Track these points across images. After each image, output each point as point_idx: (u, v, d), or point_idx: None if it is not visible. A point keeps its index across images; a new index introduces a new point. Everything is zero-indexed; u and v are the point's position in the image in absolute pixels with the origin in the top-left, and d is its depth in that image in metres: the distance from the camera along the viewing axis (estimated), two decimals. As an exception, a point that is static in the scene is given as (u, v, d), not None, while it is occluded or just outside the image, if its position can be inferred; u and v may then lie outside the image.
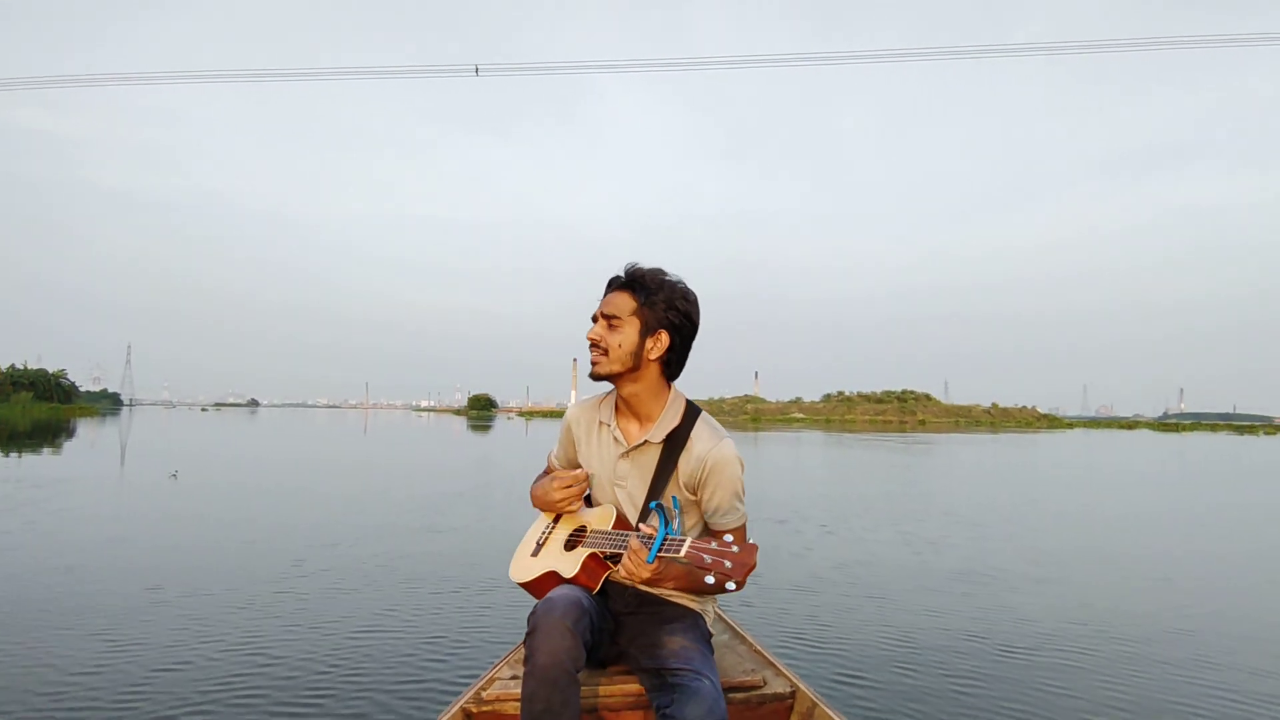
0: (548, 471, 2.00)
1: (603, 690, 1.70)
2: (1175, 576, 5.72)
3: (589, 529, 1.78)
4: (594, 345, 1.70)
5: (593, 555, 1.71)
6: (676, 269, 1.76)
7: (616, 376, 1.71)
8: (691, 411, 1.77)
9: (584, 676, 1.58)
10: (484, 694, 1.73)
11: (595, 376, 1.73)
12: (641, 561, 1.47)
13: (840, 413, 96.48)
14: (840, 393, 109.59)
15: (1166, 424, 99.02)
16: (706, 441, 1.70)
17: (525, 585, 1.80)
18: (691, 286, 1.77)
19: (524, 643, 1.53)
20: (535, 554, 1.84)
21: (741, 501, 1.73)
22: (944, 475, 15.70)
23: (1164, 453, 29.60)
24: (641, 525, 1.54)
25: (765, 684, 1.79)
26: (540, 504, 1.89)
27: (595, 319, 1.72)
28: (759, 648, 2.02)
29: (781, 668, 1.88)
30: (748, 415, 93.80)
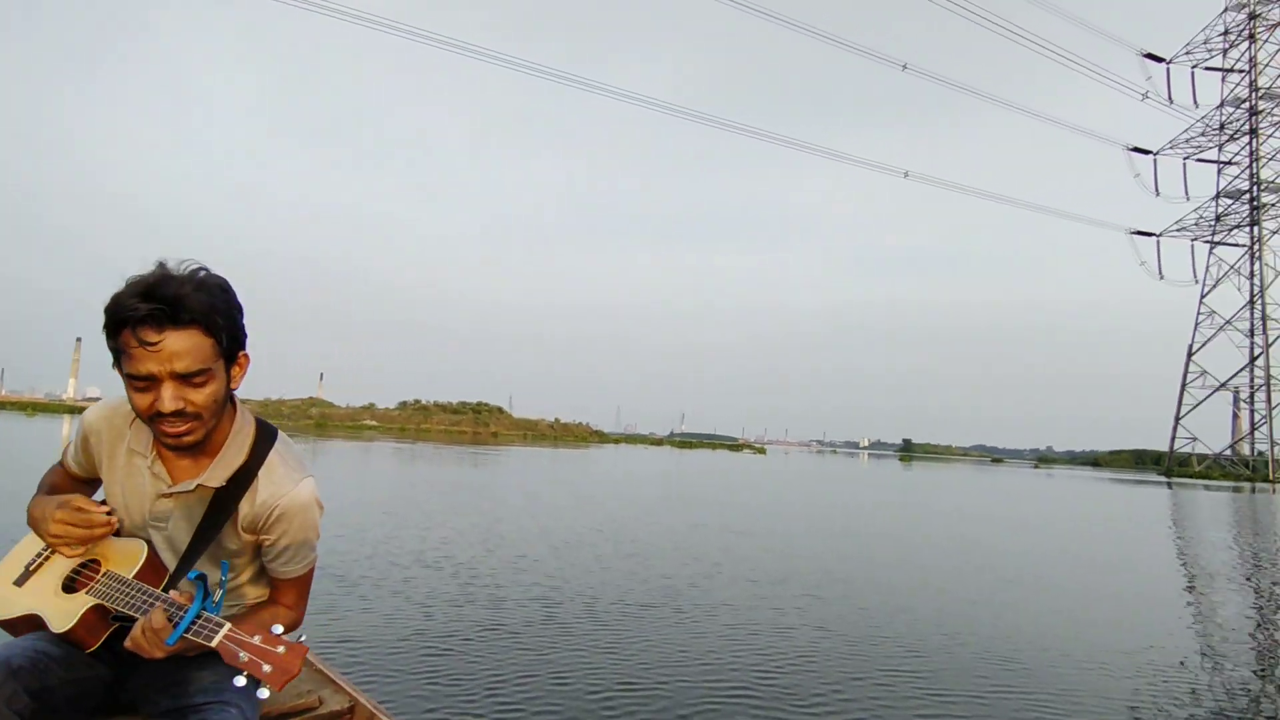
0: (57, 483, 1.47)
1: None
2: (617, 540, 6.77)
3: (103, 568, 1.33)
4: (178, 416, 1.21)
5: (97, 609, 1.29)
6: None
7: None
8: (262, 440, 1.38)
9: None
10: None
11: (186, 446, 1.27)
12: (159, 642, 1.16)
13: (416, 421, 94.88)
14: (417, 401, 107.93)
15: (684, 443, 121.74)
16: (278, 485, 1.36)
17: None
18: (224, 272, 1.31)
19: None
20: (20, 582, 1.36)
21: (313, 548, 1.37)
22: (511, 483, 16.41)
23: (684, 463, 36.23)
24: (174, 591, 1.23)
25: (322, 703, 1.70)
26: (33, 527, 1.36)
27: (149, 377, 1.18)
28: (319, 665, 1.91)
29: (342, 683, 1.81)
30: (312, 421, 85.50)
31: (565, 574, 6.49)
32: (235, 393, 1.36)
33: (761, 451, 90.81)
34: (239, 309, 1.28)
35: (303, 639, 1.20)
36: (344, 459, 22.80)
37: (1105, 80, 71.50)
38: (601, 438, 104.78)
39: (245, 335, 1.31)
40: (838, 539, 10.55)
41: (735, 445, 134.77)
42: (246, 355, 1.32)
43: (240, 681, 1.08)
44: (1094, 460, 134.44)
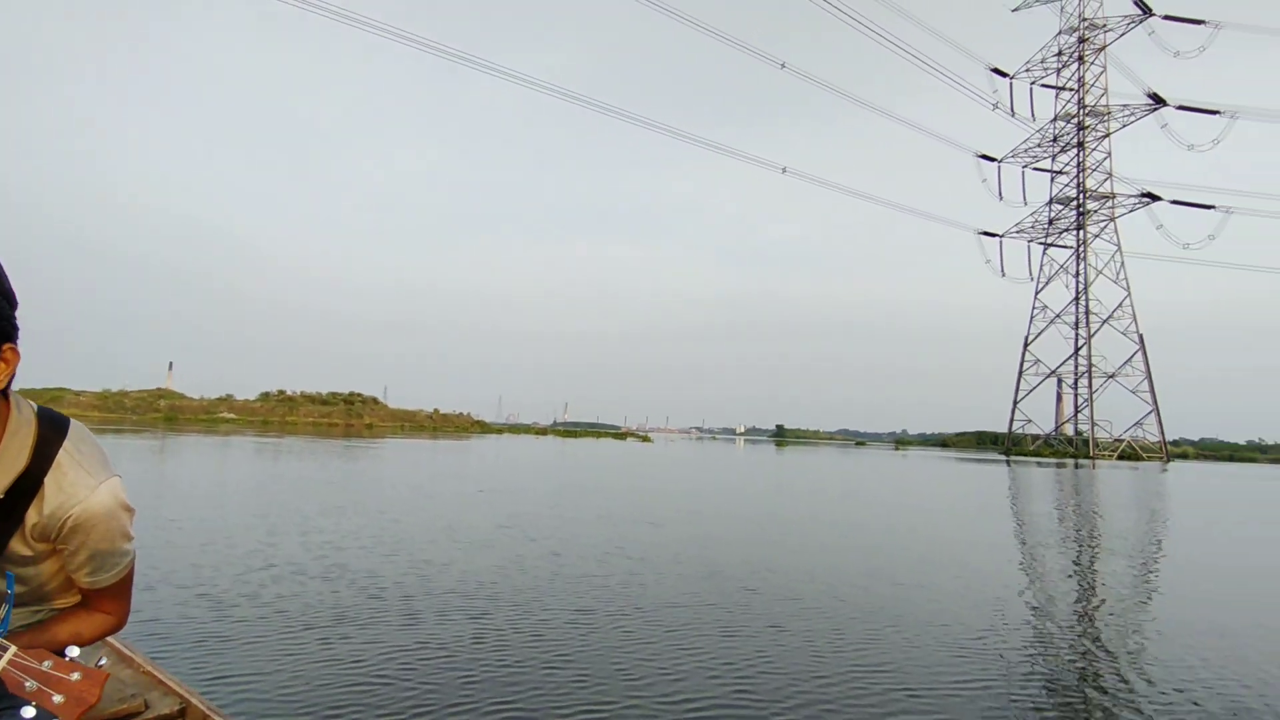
0: None
1: None
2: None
3: None
4: None
5: None
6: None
7: None
8: (48, 439, 1.18)
9: None
10: None
11: None
12: None
13: (281, 414, 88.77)
14: (281, 392, 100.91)
15: (568, 432, 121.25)
16: (70, 491, 1.18)
17: None
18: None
19: None
20: None
21: (125, 553, 1.23)
22: (380, 476, 15.79)
23: (569, 451, 36.24)
24: None
25: (149, 707, 1.65)
26: None
27: None
28: (148, 667, 1.87)
29: (174, 685, 1.76)
30: (160, 414, 78.11)
31: (473, 575, 6.35)
32: (13, 389, 1.17)
33: (647, 439, 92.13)
34: (8, 297, 1.12)
35: (102, 663, 1.06)
36: (198, 455, 20.89)
37: (964, 90, 77.20)
38: (484, 428, 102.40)
39: (15, 328, 1.13)
40: (762, 525, 10.84)
41: (620, 434, 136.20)
42: (15, 350, 1.13)
43: (29, 713, 0.96)
44: (943, 442, 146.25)
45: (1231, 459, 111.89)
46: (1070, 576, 8.06)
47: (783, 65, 54.78)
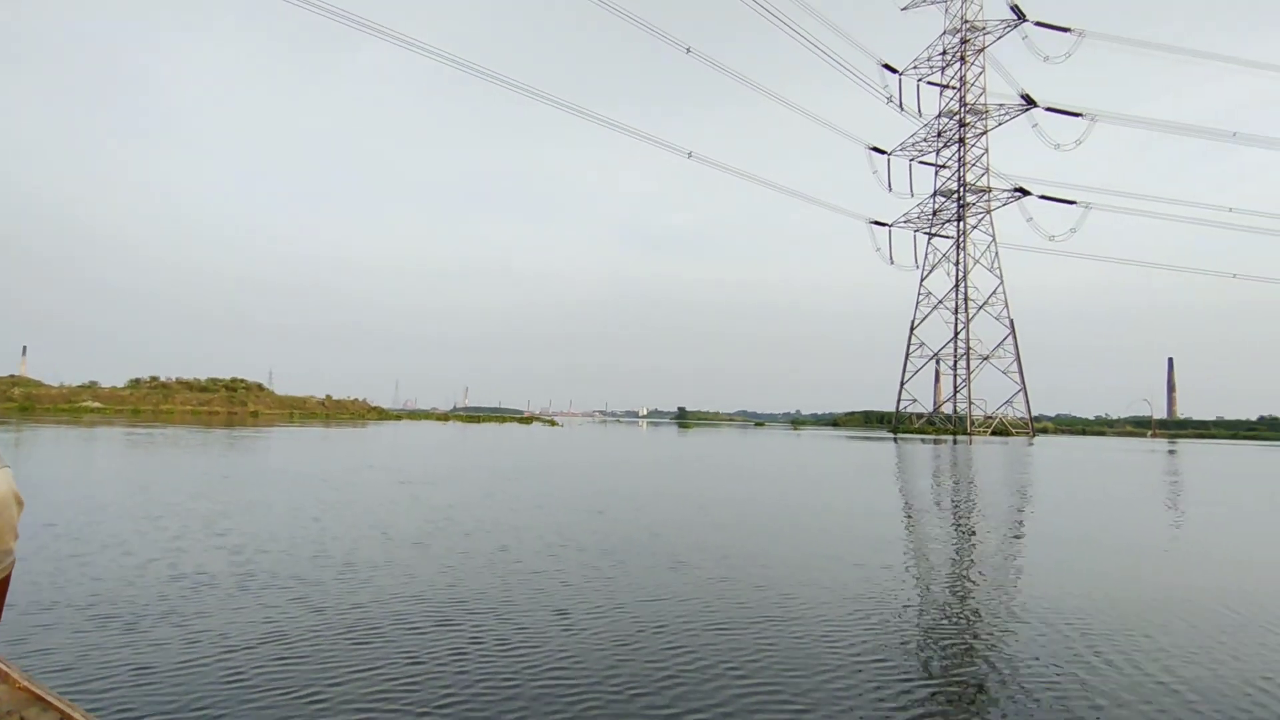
0: None
1: None
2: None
3: None
4: None
5: None
6: None
7: None
8: None
9: None
10: None
11: None
12: None
13: (154, 402, 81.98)
14: (154, 378, 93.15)
15: (471, 417, 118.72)
16: None
17: None
18: None
19: None
20: None
21: (8, 552, 1.27)
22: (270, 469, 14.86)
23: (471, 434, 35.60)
24: None
25: None
26: None
27: None
28: (25, 683, 1.80)
29: (52, 699, 1.70)
30: (14, 403, 70.57)
31: (418, 577, 5.99)
32: None
33: (554, 424, 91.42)
34: None
35: None
36: (62, 449, 18.88)
37: (861, 84, 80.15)
38: (381, 414, 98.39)
39: None
40: (710, 509, 10.81)
41: (525, 418, 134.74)
42: None
43: None
44: (834, 421, 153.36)
45: (1084, 433, 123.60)
46: (947, 542, 8.93)
47: (689, 50, 55.12)
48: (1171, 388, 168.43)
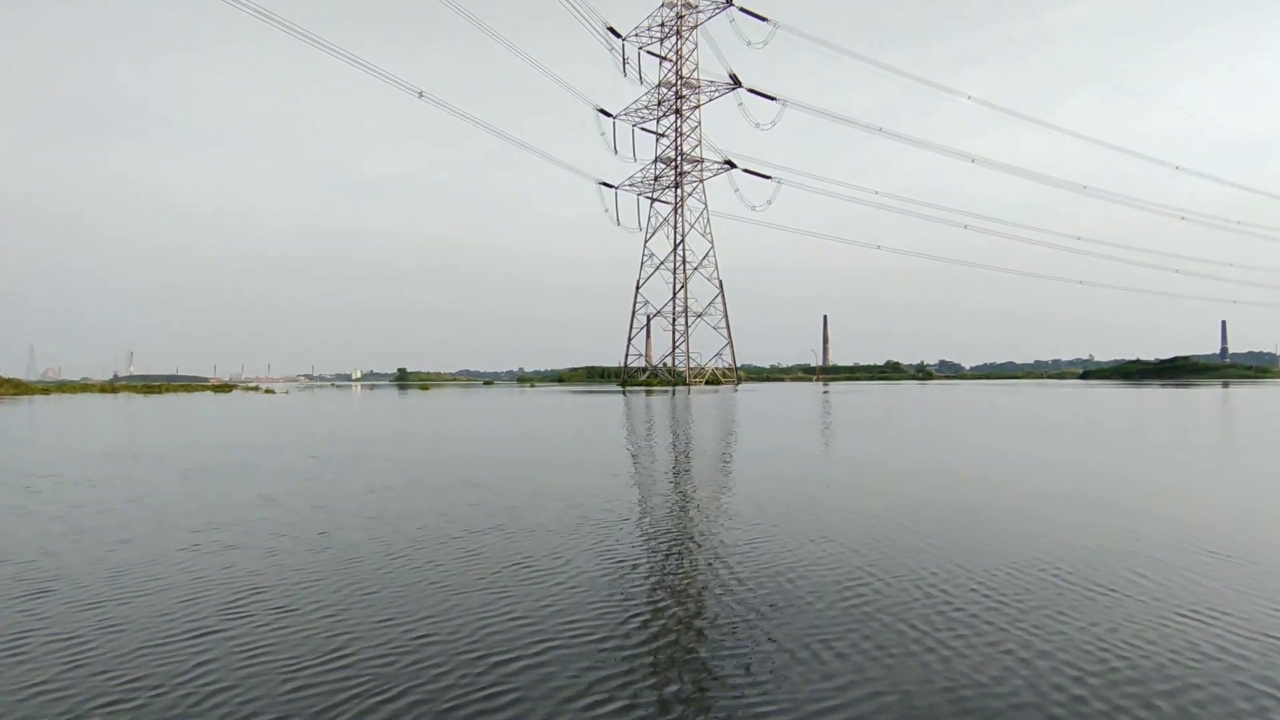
0: None
1: None
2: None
3: None
4: None
5: None
6: None
7: None
8: None
9: None
10: None
11: None
12: None
13: None
14: None
15: (149, 387, 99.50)
16: None
17: None
18: None
19: None
20: None
21: None
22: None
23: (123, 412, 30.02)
24: None
25: None
26: None
27: None
28: None
29: None
30: None
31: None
32: None
33: (270, 392, 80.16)
34: None
35: None
36: None
37: (590, 44, 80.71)
38: (18, 387, 77.45)
39: None
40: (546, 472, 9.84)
41: (221, 386, 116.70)
42: None
43: None
44: (559, 377, 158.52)
45: (768, 380, 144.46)
46: (665, 477, 9.59)
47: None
48: (826, 340, 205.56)
